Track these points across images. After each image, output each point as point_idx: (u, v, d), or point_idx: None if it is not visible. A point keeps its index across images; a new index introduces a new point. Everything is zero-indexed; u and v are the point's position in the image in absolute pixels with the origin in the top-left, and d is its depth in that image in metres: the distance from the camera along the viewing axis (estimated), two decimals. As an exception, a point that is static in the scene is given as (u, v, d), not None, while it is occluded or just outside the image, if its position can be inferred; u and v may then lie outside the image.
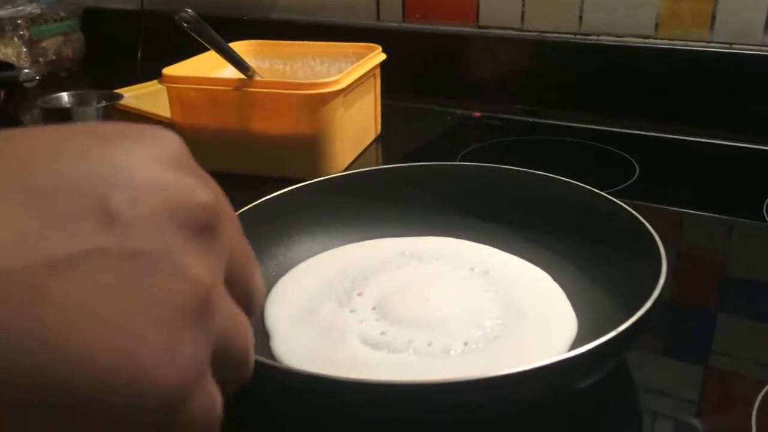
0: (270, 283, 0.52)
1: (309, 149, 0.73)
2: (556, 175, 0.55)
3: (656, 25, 0.85)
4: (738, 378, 0.43)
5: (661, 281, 0.39)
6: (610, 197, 0.51)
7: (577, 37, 0.91)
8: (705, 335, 0.47)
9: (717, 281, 0.55)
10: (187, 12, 0.61)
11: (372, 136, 0.87)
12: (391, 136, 0.88)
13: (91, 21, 1.31)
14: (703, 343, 0.47)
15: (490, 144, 0.85)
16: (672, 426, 0.40)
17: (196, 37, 0.65)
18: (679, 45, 0.85)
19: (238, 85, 0.72)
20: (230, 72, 0.78)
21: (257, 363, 0.35)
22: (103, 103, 0.71)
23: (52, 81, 1.17)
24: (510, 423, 0.37)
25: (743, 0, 0.80)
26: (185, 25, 0.62)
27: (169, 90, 0.75)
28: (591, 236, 0.51)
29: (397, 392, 0.33)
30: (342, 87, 0.72)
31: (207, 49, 0.75)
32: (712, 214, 0.65)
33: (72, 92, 0.73)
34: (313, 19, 1.09)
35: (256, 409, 0.41)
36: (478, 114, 0.95)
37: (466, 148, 0.83)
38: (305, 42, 0.90)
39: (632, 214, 0.48)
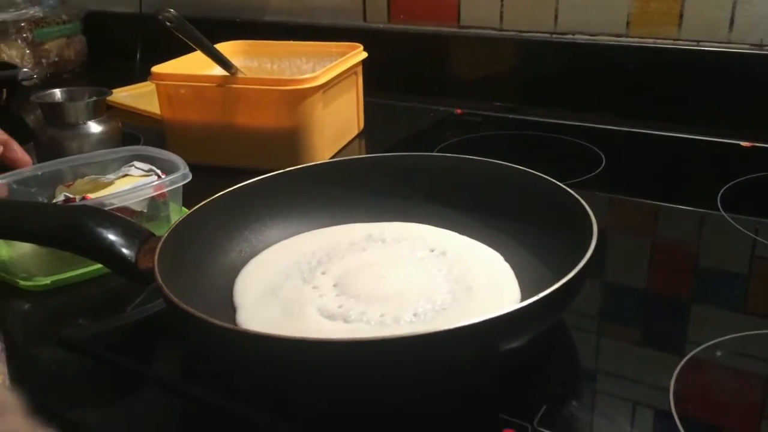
0: (241, 263, 0.55)
1: (289, 142, 0.77)
2: (526, 167, 0.58)
3: (627, 23, 0.89)
4: (659, 353, 0.46)
5: (586, 258, 0.42)
6: (560, 183, 0.55)
7: (553, 36, 0.94)
8: (636, 315, 0.51)
9: (652, 265, 0.58)
10: (170, 12, 0.65)
11: (355, 131, 0.91)
12: (374, 131, 0.92)
13: (93, 24, 1.35)
14: (631, 322, 0.50)
15: (467, 138, 0.88)
16: (598, 396, 0.43)
17: (179, 35, 0.69)
18: (649, 42, 0.88)
19: (221, 82, 0.76)
20: (218, 71, 0.82)
21: (220, 328, 0.39)
22: (93, 99, 0.76)
23: (55, 82, 1.21)
24: (441, 381, 0.40)
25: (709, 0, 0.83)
26: (168, 24, 0.66)
27: (158, 87, 0.79)
28: (542, 220, 0.54)
29: (336, 348, 0.37)
30: (320, 83, 0.75)
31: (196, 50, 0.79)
32: (668, 204, 0.68)
33: (64, 89, 0.77)
34: (303, 20, 1.13)
35: (220, 372, 0.44)
36: (459, 111, 0.98)
37: (444, 142, 0.86)
38: (291, 42, 0.94)
39: (577, 199, 0.52)
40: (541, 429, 0.39)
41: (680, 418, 0.39)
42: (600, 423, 0.40)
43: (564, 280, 0.40)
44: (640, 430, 0.39)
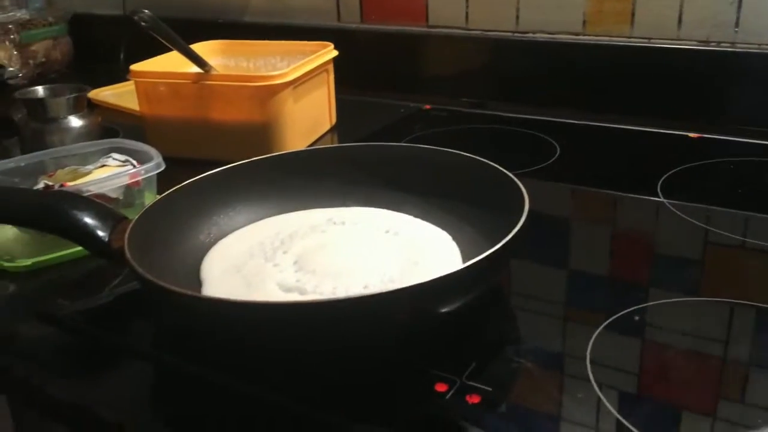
0: (209, 244, 0.60)
1: (262, 136, 0.81)
2: (485, 157, 0.62)
3: (583, 22, 0.94)
4: (578, 324, 0.51)
5: (511, 234, 0.47)
6: (503, 169, 0.59)
7: (515, 34, 0.99)
8: (564, 290, 0.56)
9: (586, 245, 0.63)
10: (144, 12, 0.69)
11: (327, 126, 0.95)
12: (346, 126, 0.96)
13: (79, 25, 1.39)
14: (561, 296, 0.55)
15: (433, 132, 0.93)
16: (524, 356, 0.47)
17: (153, 35, 0.73)
18: (603, 40, 0.93)
19: (196, 79, 0.81)
20: (194, 69, 0.86)
21: (180, 294, 0.44)
22: (74, 95, 0.80)
23: (43, 82, 1.25)
24: (380, 340, 0.45)
25: (659, -1, 0.88)
26: (143, 24, 0.70)
27: (137, 84, 0.83)
28: (486, 202, 0.58)
29: (285, 310, 0.41)
30: (290, 79, 0.80)
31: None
32: (611, 191, 0.73)
33: (46, 86, 0.82)
34: (281, 20, 1.18)
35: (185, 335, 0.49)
36: (427, 106, 1.03)
37: (411, 135, 0.91)
38: (267, 41, 0.98)
39: (516, 182, 0.56)
40: (469, 383, 0.43)
41: (593, 374, 0.44)
42: (521, 377, 0.44)
43: (489, 252, 0.44)
44: (557, 385, 0.44)
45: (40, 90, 0.82)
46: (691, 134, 0.86)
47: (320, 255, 0.57)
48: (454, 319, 0.47)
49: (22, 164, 0.67)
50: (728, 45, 0.86)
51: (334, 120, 0.96)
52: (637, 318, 0.49)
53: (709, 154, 0.79)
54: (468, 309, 0.47)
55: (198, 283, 0.55)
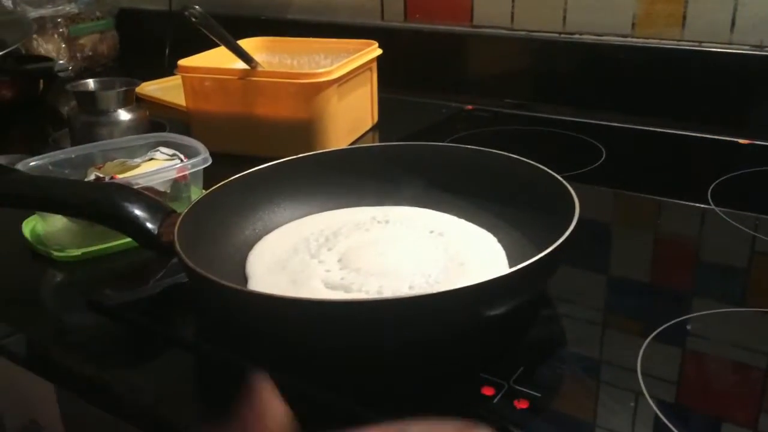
0: (255, 239, 0.60)
1: (305, 133, 0.81)
2: (529, 159, 0.61)
3: (633, 24, 0.92)
4: (627, 332, 0.50)
5: (562, 238, 0.46)
6: (551, 171, 0.58)
7: (561, 35, 0.98)
8: (602, 296, 0.55)
9: (631, 251, 0.62)
10: (195, 8, 0.70)
11: (369, 124, 0.95)
12: (388, 125, 0.96)
13: (126, 20, 1.42)
14: (597, 302, 0.54)
15: (476, 133, 0.92)
16: (571, 361, 0.47)
17: (203, 30, 0.74)
18: (653, 43, 0.91)
19: (242, 75, 0.81)
20: (240, 65, 0.87)
21: (229, 289, 0.44)
22: (123, 88, 0.81)
23: (89, 76, 1.28)
24: (428, 341, 0.45)
25: (711, 2, 0.86)
26: (193, 19, 0.71)
27: (184, 79, 0.84)
28: (533, 204, 0.58)
29: (332, 308, 0.41)
30: (335, 77, 0.80)
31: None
32: (659, 197, 0.71)
33: (97, 79, 0.83)
34: (324, 18, 1.18)
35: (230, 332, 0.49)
36: (470, 107, 1.02)
37: (453, 135, 0.90)
38: (311, 39, 0.99)
39: (564, 185, 0.55)
40: (517, 387, 0.43)
41: (644, 383, 0.43)
42: (569, 383, 0.44)
43: (541, 255, 0.44)
44: (607, 393, 0.43)
45: (91, 83, 0.83)
46: (741, 140, 0.84)
47: (365, 253, 0.57)
48: (501, 322, 0.46)
49: (73, 156, 0.69)
50: (783, 50, 0.84)
51: (376, 119, 0.96)
52: (688, 327, 0.48)
53: (761, 161, 0.77)
54: (515, 313, 0.46)
55: (243, 277, 0.55)
